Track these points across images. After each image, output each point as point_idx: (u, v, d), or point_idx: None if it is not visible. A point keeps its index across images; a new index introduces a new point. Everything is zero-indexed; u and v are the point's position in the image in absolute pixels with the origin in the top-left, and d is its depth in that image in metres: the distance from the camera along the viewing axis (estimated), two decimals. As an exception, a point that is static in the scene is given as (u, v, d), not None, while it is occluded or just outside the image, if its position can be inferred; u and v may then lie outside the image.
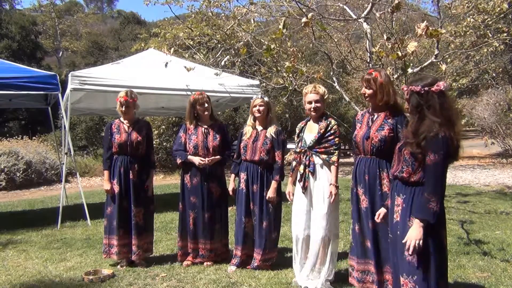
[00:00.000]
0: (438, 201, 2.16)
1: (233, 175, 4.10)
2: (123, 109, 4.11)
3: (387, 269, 2.85)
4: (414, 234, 2.19)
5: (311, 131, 3.46)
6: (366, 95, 2.99)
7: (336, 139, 3.39)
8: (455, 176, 11.13)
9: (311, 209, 3.39)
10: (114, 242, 4.05)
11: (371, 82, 2.94)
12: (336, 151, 3.37)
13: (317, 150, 3.38)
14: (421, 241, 2.18)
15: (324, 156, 3.36)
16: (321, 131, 3.37)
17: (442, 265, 2.27)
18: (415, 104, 2.27)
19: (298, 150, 3.49)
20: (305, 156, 3.42)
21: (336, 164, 3.35)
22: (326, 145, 3.37)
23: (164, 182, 12.14)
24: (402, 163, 2.33)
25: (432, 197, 2.16)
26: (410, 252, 2.20)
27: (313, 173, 3.37)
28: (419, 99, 2.25)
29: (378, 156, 2.92)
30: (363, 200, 2.99)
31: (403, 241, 2.24)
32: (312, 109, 3.42)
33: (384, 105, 2.98)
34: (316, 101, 3.41)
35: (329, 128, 3.39)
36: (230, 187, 4.09)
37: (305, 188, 3.39)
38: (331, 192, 3.29)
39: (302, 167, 3.42)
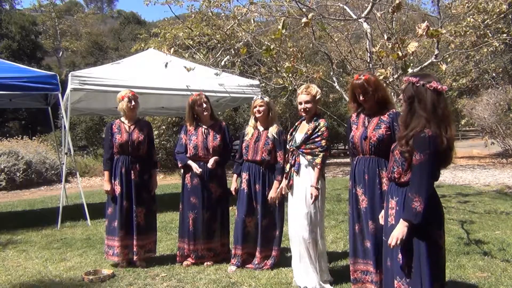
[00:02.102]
0: (422, 202, 2.14)
1: (235, 175, 4.12)
2: (133, 104, 4.09)
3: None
4: (396, 232, 2.21)
5: (302, 131, 3.48)
6: (365, 100, 2.94)
7: (323, 141, 3.37)
8: (455, 176, 11.13)
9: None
10: (114, 243, 4.04)
11: (365, 86, 2.90)
12: (321, 153, 3.35)
13: (303, 150, 3.40)
14: (401, 240, 2.18)
15: (309, 157, 3.37)
16: (309, 132, 3.39)
17: (438, 267, 2.23)
18: (409, 95, 2.30)
19: (289, 148, 3.53)
20: (292, 155, 3.46)
21: (319, 167, 3.34)
22: (312, 146, 3.38)
23: (164, 182, 12.13)
24: (393, 163, 2.35)
25: (416, 196, 2.15)
26: (391, 247, 2.23)
27: (298, 172, 3.40)
28: (412, 91, 2.28)
29: (377, 155, 2.92)
30: (362, 200, 2.97)
31: (389, 242, 2.24)
32: (302, 110, 3.44)
33: (377, 106, 2.95)
34: (306, 102, 3.41)
35: (317, 129, 3.39)
36: (232, 187, 4.11)
37: (289, 187, 3.45)
38: (311, 194, 3.31)
39: (288, 165, 3.47)
